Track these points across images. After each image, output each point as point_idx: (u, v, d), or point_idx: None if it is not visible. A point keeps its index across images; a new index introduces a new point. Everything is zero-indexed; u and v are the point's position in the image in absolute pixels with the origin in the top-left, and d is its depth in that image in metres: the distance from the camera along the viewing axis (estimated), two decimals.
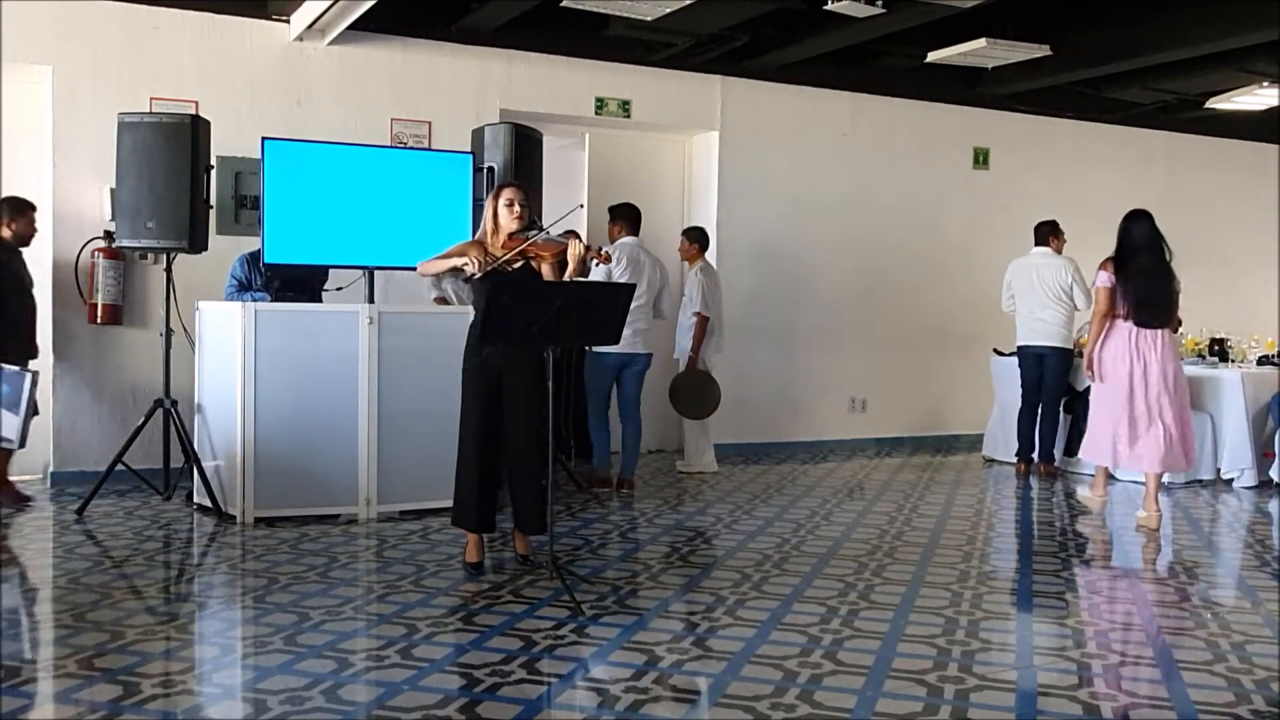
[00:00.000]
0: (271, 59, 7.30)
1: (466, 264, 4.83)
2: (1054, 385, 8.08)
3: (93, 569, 4.95)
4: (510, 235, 4.95)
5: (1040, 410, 8.11)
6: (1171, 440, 6.26)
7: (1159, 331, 6.34)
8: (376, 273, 6.42)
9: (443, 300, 7.02)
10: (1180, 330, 7.23)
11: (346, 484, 6.01)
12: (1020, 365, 8.19)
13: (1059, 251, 8.15)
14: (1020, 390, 8.20)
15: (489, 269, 4.80)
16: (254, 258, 6.59)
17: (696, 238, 7.85)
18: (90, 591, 4.54)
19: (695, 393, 7.70)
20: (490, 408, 4.93)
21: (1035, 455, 8.15)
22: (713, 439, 8.02)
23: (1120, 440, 6.32)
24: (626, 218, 7.32)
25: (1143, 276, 6.37)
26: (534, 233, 4.93)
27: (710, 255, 8.72)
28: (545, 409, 4.77)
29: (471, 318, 5.01)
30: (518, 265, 4.89)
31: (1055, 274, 8.02)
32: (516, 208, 4.96)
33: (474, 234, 5.58)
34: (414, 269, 5.32)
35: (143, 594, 4.63)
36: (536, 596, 4.55)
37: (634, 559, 5.30)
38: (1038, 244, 8.20)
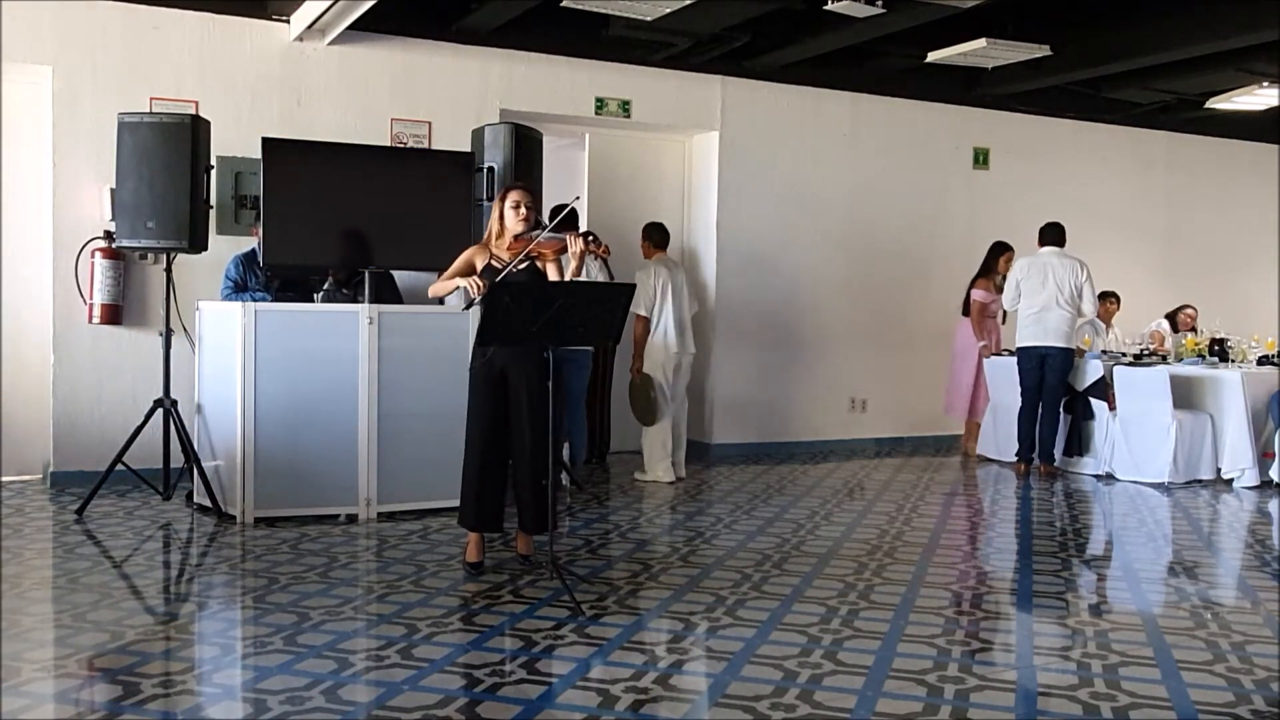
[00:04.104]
0: (271, 59, 7.30)
1: (468, 288, 4.84)
2: (1056, 385, 8.07)
3: (93, 569, 4.96)
4: (515, 237, 4.96)
5: (1040, 410, 8.12)
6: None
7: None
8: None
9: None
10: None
11: (346, 484, 6.01)
12: (1022, 366, 8.17)
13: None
14: (1020, 391, 8.19)
15: (499, 278, 4.79)
16: (249, 258, 6.59)
17: (646, 234, 7.68)
18: (90, 591, 4.55)
19: (635, 399, 7.50)
20: (495, 408, 4.93)
21: (1035, 455, 8.15)
22: (672, 446, 7.55)
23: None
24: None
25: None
26: (537, 232, 4.94)
27: (709, 255, 8.75)
28: (548, 409, 4.77)
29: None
30: (523, 266, 4.90)
31: (1069, 274, 8.05)
32: (523, 210, 4.97)
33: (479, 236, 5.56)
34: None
35: (143, 594, 4.63)
36: (536, 596, 4.54)
37: (634, 559, 5.30)
38: (1047, 243, 8.23)
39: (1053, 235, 8.24)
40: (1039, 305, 8.06)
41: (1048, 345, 8.03)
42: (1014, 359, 8.32)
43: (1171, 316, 9.94)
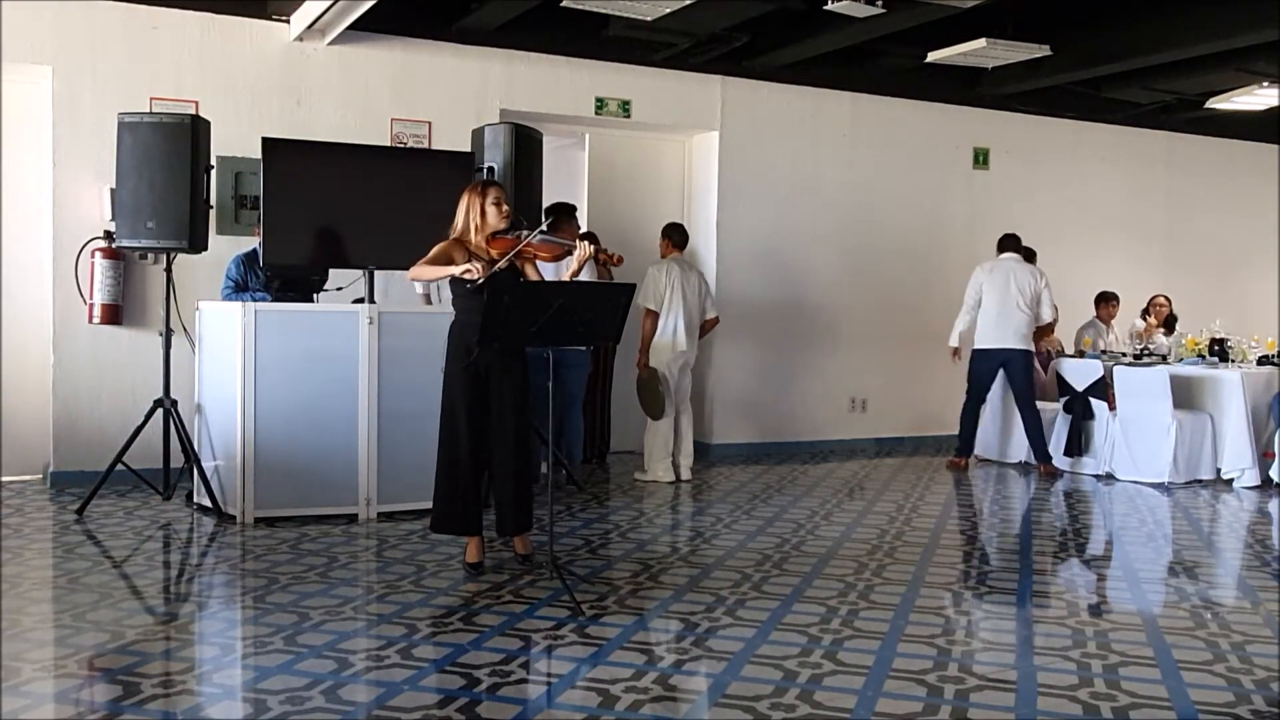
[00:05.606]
0: (271, 59, 7.30)
1: (468, 271, 4.68)
2: (1023, 386, 8.18)
3: (93, 569, 4.96)
4: (494, 235, 4.93)
5: (1021, 412, 8.21)
6: None
7: None
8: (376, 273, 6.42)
9: (426, 298, 7.02)
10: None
11: (346, 484, 6.01)
12: (979, 367, 8.29)
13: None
14: (968, 389, 8.35)
15: (491, 272, 4.76)
16: (249, 258, 6.59)
17: (666, 234, 7.70)
18: (90, 591, 4.55)
19: (643, 393, 7.49)
20: (478, 411, 4.92)
21: (974, 453, 8.42)
22: (674, 447, 7.54)
23: None
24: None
25: None
26: (523, 232, 4.91)
27: (709, 255, 8.75)
28: (528, 409, 4.75)
29: (451, 319, 4.98)
30: (504, 265, 4.86)
31: (1029, 278, 8.20)
32: (504, 207, 4.96)
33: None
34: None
35: (143, 594, 4.63)
36: (536, 596, 4.55)
37: (634, 559, 5.30)
38: (1007, 250, 8.36)
39: (1013, 243, 8.42)
40: (1000, 307, 8.15)
41: (1007, 347, 8.15)
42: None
43: (1146, 311, 9.95)
